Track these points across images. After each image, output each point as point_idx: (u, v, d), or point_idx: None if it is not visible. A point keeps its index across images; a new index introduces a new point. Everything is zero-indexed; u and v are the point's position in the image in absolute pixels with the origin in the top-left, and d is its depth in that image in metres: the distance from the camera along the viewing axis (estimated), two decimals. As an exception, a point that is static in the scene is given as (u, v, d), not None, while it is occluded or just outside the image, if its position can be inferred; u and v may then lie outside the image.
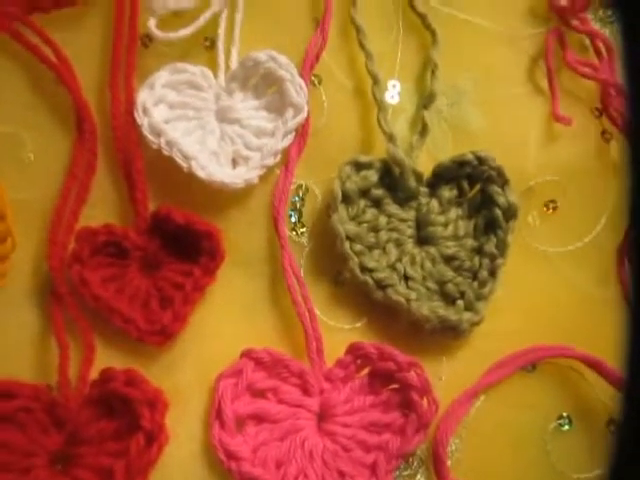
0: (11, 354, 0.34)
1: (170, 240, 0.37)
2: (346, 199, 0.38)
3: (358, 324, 0.38)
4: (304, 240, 0.39)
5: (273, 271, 0.38)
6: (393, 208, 0.39)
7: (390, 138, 0.39)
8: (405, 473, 0.35)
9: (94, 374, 0.34)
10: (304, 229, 0.39)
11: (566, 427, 0.37)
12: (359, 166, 0.38)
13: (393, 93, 0.42)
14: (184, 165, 0.37)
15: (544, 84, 0.42)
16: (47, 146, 0.38)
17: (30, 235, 0.36)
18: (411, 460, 0.35)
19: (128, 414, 0.32)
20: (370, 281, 0.37)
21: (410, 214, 0.39)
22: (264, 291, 0.38)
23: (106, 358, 0.35)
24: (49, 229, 0.35)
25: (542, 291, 0.40)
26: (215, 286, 0.37)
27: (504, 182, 0.39)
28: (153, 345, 0.35)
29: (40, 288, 0.36)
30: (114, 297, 0.35)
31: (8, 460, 0.31)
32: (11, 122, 0.38)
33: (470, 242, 0.39)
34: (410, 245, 0.39)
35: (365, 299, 0.38)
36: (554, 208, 0.40)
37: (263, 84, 0.39)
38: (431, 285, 0.38)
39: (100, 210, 0.37)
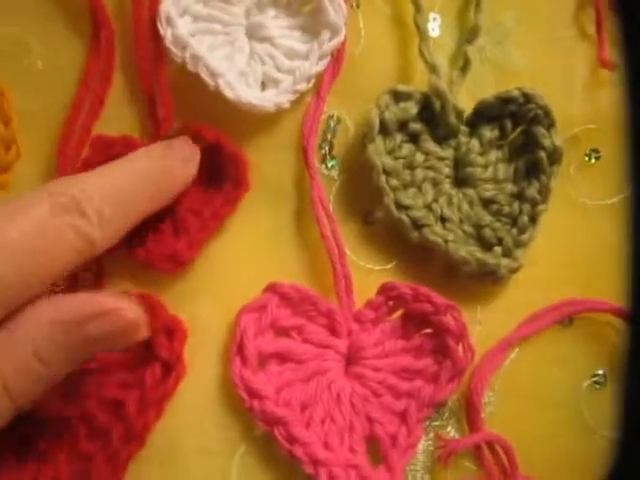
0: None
1: (193, 162, 0.34)
2: (383, 130, 0.35)
3: (388, 266, 0.36)
4: (334, 174, 0.36)
5: (300, 204, 0.35)
6: (431, 145, 0.37)
7: (432, 69, 0.36)
8: (435, 424, 0.33)
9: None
10: (334, 162, 0.36)
11: (600, 385, 0.35)
12: (398, 96, 0.36)
13: (434, 26, 0.39)
14: (210, 83, 0.33)
15: (590, 29, 0.40)
16: (57, 53, 0.34)
17: (36, 148, 0.33)
18: (442, 410, 0.33)
19: (142, 343, 0.29)
20: (406, 219, 0.34)
21: (448, 153, 0.37)
22: (289, 224, 0.35)
23: (114, 287, 0.32)
24: (58, 141, 0.32)
25: (579, 244, 0.38)
26: (236, 216, 0.34)
27: (550, 123, 0.36)
28: (163, 271, 0.32)
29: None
30: None
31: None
32: (16, 24, 0.34)
33: (509, 187, 0.37)
34: (447, 185, 0.36)
35: (397, 240, 0.36)
36: (597, 158, 0.38)
37: (297, 1, 0.36)
38: (468, 229, 0.36)
39: (115, 127, 0.34)
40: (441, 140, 0.37)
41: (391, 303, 0.33)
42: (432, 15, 0.39)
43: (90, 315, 0.25)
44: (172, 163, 0.31)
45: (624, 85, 0.25)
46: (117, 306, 0.26)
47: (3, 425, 0.24)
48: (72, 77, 0.34)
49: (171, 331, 0.29)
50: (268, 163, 0.35)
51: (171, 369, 0.28)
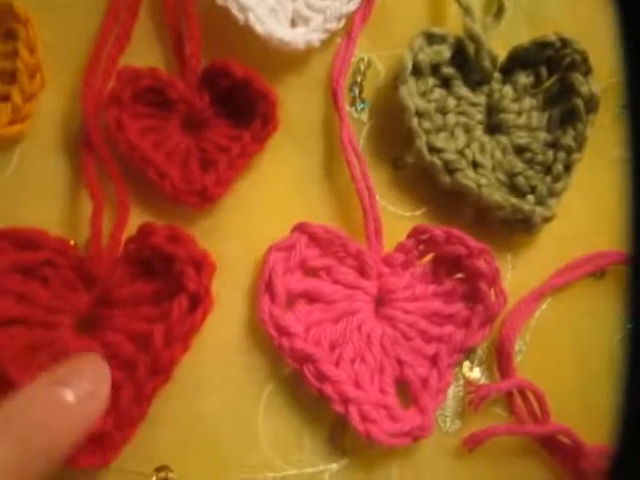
0: (36, 209, 0.30)
1: (220, 99, 0.33)
2: (416, 72, 0.34)
3: (418, 212, 0.35)
4: (364, 117, 0.35)
5: (328, 146, 0.35)
6: (463, 90, 0.36)
7: (467, 11, 0.35)
8: (464, 370, 0.32)
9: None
10: (364, 105, 0.35)
11: (633, 339, 0.34)
12: (432, 39, 0.35)
13: (467, -30, 0.38)
14: (240, 17, 0.32)
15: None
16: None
17: (61, 79, 0.32)
18: (471, 357, 0.32)
19: (169, 275, 0.28)
20: (438, 163, 0.33)
21: (481, 99, 0.36)
22: (317, 166, 0.34)
23: (138, 221, 0.31)
24: (85, 70, 0.31)
25: (612, 197, 0.37)
26: (264, 155, 0.33)
27: (587, 70, 0.35)
28: (190, 206, 0.31)
29: (70, 137, 0.32)
30: (150, 149, 0.31)
31: (30, 314, 0.27)
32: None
33: (543, 135, 0.36)
34: (479, 132, 0.35)
35: (427, 185, 0.35)
36: (631, 110, 0.37)
37: (329, -62, 0.35)
38: (500, 176, 0.35)
39: (141, 60, 0.33)
40: (474, 86, 0.36)
41: (422, 247, 0.32)
42: (465, -41, 0.38)
43: None
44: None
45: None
46: None
47: None
48: (98, 8, 0.33)
49: (199, 264, 0.28)
50: (296, 104, 0.34)
51: (199, 302, 0.28)
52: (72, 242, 0.30)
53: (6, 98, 0.30)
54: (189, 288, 0.28)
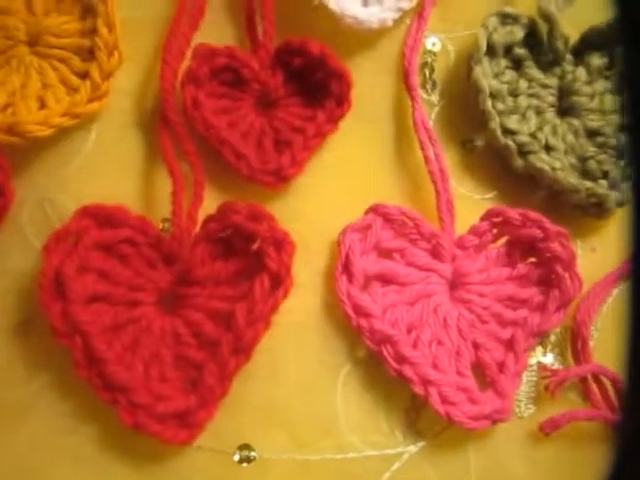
0: (113, 186, 0.30)
1: (294, 78, 0.32)
2: (490, 53, 0.34)
3: (488, 195, 0.34)
4: (434, 98, 0.35)
5: (399, 127, 0.34)
6: (535, 72, 0.35)
7: None
8: (538, 354, 0.32)
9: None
10: (435, 86, 0.35)
11: None
12: (505, 19, 0.34)
13: (538, -50, 0.37)
14: None
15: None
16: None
17: (136, 57, 0.32)
18: (545, 342, 0.32)
19: (249, 254, 0.28)
20: (512, 145, 0.33)
21: (552, 81, 0.35)
22: (388, 146, 0.34)
23: (213, 201, 0.31)
24: (163, 48, 0.31)
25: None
26: (336, 136, 0.33)
27: (664, 51, 0.34)
28: (265, 186, 0.31)
29: (144, 114, 0.32)
30: (226, 129, 0.31)
31: (112, 291, 0.28)
32: None
33: (616, 118, 0.35)
34: (551, 114, 0.35)
35: (498, 168, 0.34)
36: None
37: None
38: (572, 160, 0.34)
39: (212, 39, 0.33)
40: (545, 67, 0.36)
41: (496, 230, 0.32)
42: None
43: None
44: None
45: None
46: None
47: None
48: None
49: (280, 243, 0.28)
50: (366, 84, 0.34)
51: (280, 282, 0.28)
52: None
53: (84, 75, 0.30)
54: (271, 267, 0.28)
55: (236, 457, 0.27)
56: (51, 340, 0.27)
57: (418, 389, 0.28)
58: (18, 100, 0.29)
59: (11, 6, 0.30)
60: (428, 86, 0.35)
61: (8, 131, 0.28)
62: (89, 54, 0.30)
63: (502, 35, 0.34)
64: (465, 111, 0.35)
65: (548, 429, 0.30)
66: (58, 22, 0.30)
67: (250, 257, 0.29)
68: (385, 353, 0.28)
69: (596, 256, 0.35)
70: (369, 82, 0.34)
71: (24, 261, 0.29)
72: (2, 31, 0.30)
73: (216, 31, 0.33)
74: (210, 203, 0.31)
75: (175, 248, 0.29)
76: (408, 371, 0.28)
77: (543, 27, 0.35)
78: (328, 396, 0.29)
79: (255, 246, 0.28)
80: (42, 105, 0.29)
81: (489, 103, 0.33)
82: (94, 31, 0.30)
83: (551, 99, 0.35)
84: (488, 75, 0.34)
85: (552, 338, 0.33)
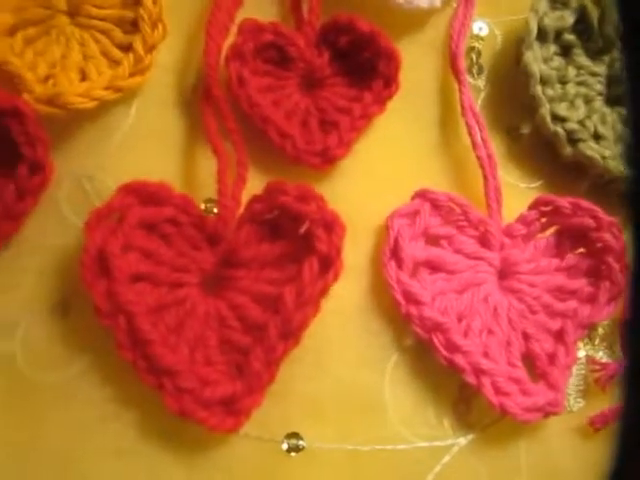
0: (154, 163, 0.29)
1: (340, 57, 0.31)
2: (540, 38, 0.33)
3: (534, 184, 0.34)
4: (480, 83, 0.34)
5: (446, 111, 0.33)
6: (583, 60, 0.34)
7: None
8: (586, 347, 0.31)
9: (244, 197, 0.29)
10: (481, 71, 0.34)
11: None
12: (555, 3, 0.33)
13: None
14: None
15: None
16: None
17: (179, 32, 0.31)
18: (593, 335, 0.31)
19: (296, 236, 0.28)
20: (561, 132, 0.32)
21: (601, 69, 0.35)
22: (435, 130, 0.33)
23: (256, 182, 0.30)
24: (207, 22, 0.30)
25: None
26: (382, 116, 0.32)
27: None
28: (310, 167, 0.30)
29: (186, 90, 0.30)
30: (270, 108, 0.30)
31: (156, 272, 0.26)
32: None
33: (665, 108, 0.34)
34: (599, 103, 0.34)
35: (545, 157, 0.34)
36: None
37: None
38: (622, 149, 0.33)
39: (255, 15, 0.32)
40: (593, 55, 0.35)
41: (545, 219, 0.31)
42: None
43: None
44: None
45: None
46: None
47: None
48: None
49: (330, 225, 0.27)
50: (412, 66, 0.33)
51: (330, 264, 0.27)
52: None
53: (127, 48, 0.29)
54: (320, 250, 0.27)
55: (284, 446, 0.26)
56: (91, 320, 0.26)
57: (470, 379, 0.27)
58: (59, 71, 0.28)
59: (50, -25, 0.29)
60: (474, 70, 0.35)
61: (49, 102, 0.27)
62: (131, 26, 0.29)
63: (552, 20, 0.33)
64: (512, 97, 0.34)
65: (598, 424, 0.29)
66: (99, -8, 0.29)
67: (298, 239, 0.28)
68: (436, 341, 0.28)
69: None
70: (415, 63, 0.33)
71: (61, 238, 0.28)
72: (42, 0, 0.29)
73: (259, 7, 0.32)
74: (253, 184, 0.30)
75: (220, 228, 0.28)
76: (460, 360, 0.27)
77: (593, 12, 0.35)
78: (376, 385, 0.28)
79: (303, 228, 0.28)
80: (83, 77, 0.28)
81: (539, 89, 0.33)
82: (137, 2, 0.29)
83: (599, 87, 0.35)
84: (539, 60, 0.33)
85: (600, 331, 0.32)
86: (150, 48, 0.29)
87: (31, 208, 0.28)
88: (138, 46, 0.28)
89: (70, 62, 0.29)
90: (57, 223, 0.28)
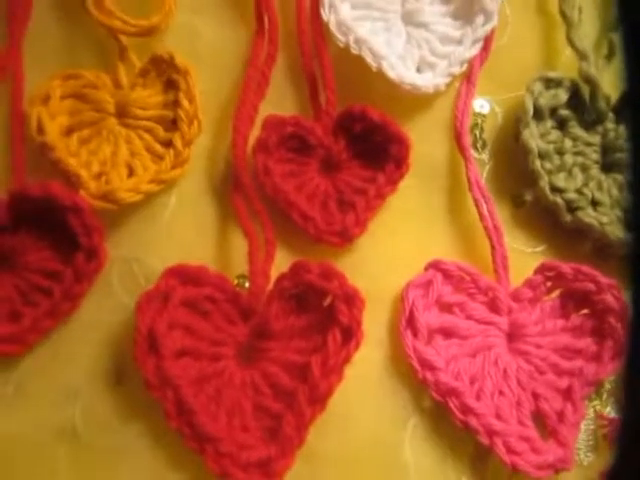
0: (193, 246, 0.33)
1: (355, 142, 0.36)
2: (536, 116, 0.37)
3: (538, 248, 0.37)
4: (485, 157, 0.38)
5: (453, 185, 0.37)
6: (578, 131, 0.38)
7: (583, 56, 0.38)
8: (595, 403, 0.33)
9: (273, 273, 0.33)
10: (485, 146, 0.37)
11: None
12: (549, 83, 0.37)
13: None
14: (373, 64, 0.35)
15: None
16: (223, 39, 0.37)
17: (211, 125, 0.35)
18: (600, 391, 0.34)
19: (320, 309, 0.31)
20: (560, 202, 0.35)
21: (595, 139, 0.38)
22: (443, 204, 0.37)
23: (282, 259, 0.34)
24: (234, 117, 0.34)
25: None
26: (394, 195, 0.35)
27: (703, 110, 0.37)
28: (331, 245, 0.34)
29: (217, 179, 0.35)
30: (293, 193, 0.34)
31: (197, 346, 0.30)
32: (187, 11, 0.37)
33: (659, 173, 0.37)
34: (595, 170, 0.37)
35: (547, 222, 0.37)
36: None
37: (452, -12, 0.38)
38: (618, 213, 0.36)
39: (277, 107, 0.36)
40: (588, 126, 0.38)
41: (549, 283, 0.34)
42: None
43: None
44: None
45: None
46: None
47: None
48: (236, 60, 0.36)
49: (351, 299, 0.30)
50: (420, 145, 0.37)
51: (351, 335, 0.30)
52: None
53: (168, 144, 0.33)
54: (342, 322, 0.30)
55: (313, 505, 0.29)
56: (140, 390, 0.30)
57: (483, 439, 0.30)
58: (109, 168, 0.33)
59: (99, 82, 0.34)
60: (479, 145, 0.38)
61: (103, 198, 0.31)
62: (171, 124, 0.34)
63: (547, 98, 0.37)
64: (514, 168, 0.38)
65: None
66: (143, 95, 0.34)
67: (322, 312, 0.31)
68: (451, 405, 0.31)
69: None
70: (423, 142, 0.37)
71: (114, 314, 0.32)
72: (93, 104, 0.34)
73: (280, 101, 0.36)
74: (280, 260, 0.34)
75: (252, 303, 0.31)
76: (473, 422, 0.30)
77: (585, 89, 0.38)
78: (397, 445, 0.31)
79: (327, 302, 0.31)
80: (131, 172, 0.33)
81: (538, 163, 0.36)
82: (176, 103, 0.33)
83: (595, 156, 0.38)
84: (535, 137, 0.36)
85: (607, 387, 0.34)
86: (188, 143, 0.33)
87: (87, 289, 0.32)
88: (177, 142, 0.33)
89: (119, 159, 0.33)
90: (110, 301, 0.32)
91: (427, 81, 0.36)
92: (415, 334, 0.32)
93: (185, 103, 0.33)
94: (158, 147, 0.33)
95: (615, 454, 0.23)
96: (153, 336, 0.29)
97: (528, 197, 0.38)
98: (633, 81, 0.27)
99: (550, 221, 0.37)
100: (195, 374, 0.29)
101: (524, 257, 0.36)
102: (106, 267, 0.32)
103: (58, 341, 0.32)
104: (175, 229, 0.34)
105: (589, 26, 0.40)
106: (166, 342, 0.29)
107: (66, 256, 0.31)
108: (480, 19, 0.37)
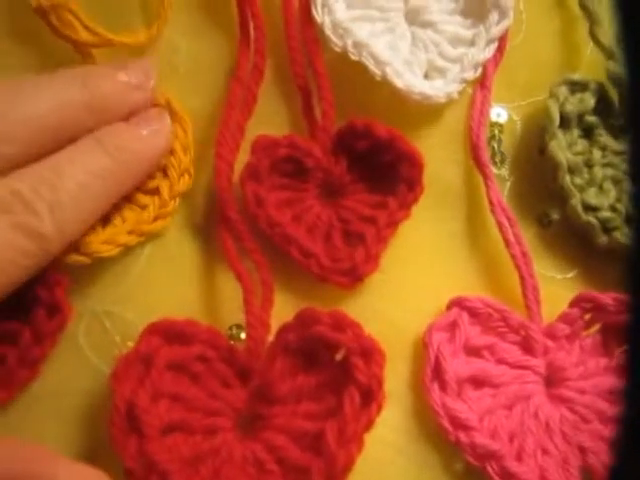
0: (175, 292, 0.29)
1: (359, 163, 0.32)
2: (563, 124, 0.34)
3: (570, 274, 0.34)
4: (504, 173, 0.34)
5: (471, 207, 0.34)
6: (607, 139, 0.35)
7: (610, 55, 0.35)
8: (645, 452, 0.30)
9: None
10: (504, 159, 0.34)
11: None
12: (574, 86, 0.34)
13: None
14: (377, 72, 0.32)
15: None
16: (204, 51, 0.32)
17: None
18: (650, 437, 0.31)
19: (332, 364, 0.27)
20: (595, 222, 0.32)
21: (624, 146, 0.35)
22: (462, 228, 0.33)
23: (282, 305, 0.30)
24: (216, 141, 0.30)
25: None
26: (405, 223, 0.32)
27: None
28: (339, 287, 0.30)
29: (199, 215, 0.30)
30: (291, 225, 0.30)
31: (187, 418, 0.26)
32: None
33: (696, 184, 0.34)
34: (627, 183, 0.34)
35: (578, 244, 0.34)
36: None
37: (460, -18, 0.34)
38: (657, 231, 0.34)
39: (267, 126, 0.32)
40: (616, 133, 0.36)
41: (588, 316, 0.31)
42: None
43: None
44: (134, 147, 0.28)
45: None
46: None
47: None
48: (220, 74, 0.32)
49: (368, 353, 0.27)
50: (432, 162, 0.33)
51: (372, 396, 0.26)
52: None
53: (154, 192, 0.29)
54: (360, 380, 0.26)
55: None
56: (119, 472, 0.25)
57: (530, 508, 0.27)
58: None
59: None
60: (497, 159, 0.35)
61: (75, 250, 0.27)
62: (161, 172, 0.30)
63: (574, 104, 0.34)
64: (538, 184, 0.35)
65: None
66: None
67: (334, 368, 0.28)
68: (490, 471, 0.27)
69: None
70: (434, 158, 0.33)
71: (82, 380, 0.28)
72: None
73: (271, 118, 0.32)
74: (280, 306, 0.30)
75: (251, 361, 0.27)
76: (517, 488, 0.27)
77: (612, 91, 0.35)
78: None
79: (340, 355, 0.27)
80: (105, 222, 0.28)
81: (568, 179, 0.33)
82: (171, 151, 0.30)
83: (625, 166, 0.35)
84: (564, 148, 0.33)
85: (657, 431, 0.32)
86: (175, 195, 0.29)
87: (49, 351, 0.28)
88: (164, 191, 0.29)
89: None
90: (78, 364, 0.28)
91: (438, 89, 0.33)
92: (443, 387, 0.28)
93: (179, 151, 0.29)
94: (140, 195, 0.29)
95: (615, 454, 0.21)
96: (134, 412, 0.25)
97: (555, 216, 0.35)
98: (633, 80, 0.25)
99: (581, 242, 0.34)
100: (187, 454, 0.25)
101: (554, 285, 0.33)
102: (71, 324, 0.28)
103: (14, 417, 0.27)
104: (152, 274, 0.29)
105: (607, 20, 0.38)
106: (150, 418, 0.25)
107: (20, 314, 0.27)
108: (494, 16, 0.34)
